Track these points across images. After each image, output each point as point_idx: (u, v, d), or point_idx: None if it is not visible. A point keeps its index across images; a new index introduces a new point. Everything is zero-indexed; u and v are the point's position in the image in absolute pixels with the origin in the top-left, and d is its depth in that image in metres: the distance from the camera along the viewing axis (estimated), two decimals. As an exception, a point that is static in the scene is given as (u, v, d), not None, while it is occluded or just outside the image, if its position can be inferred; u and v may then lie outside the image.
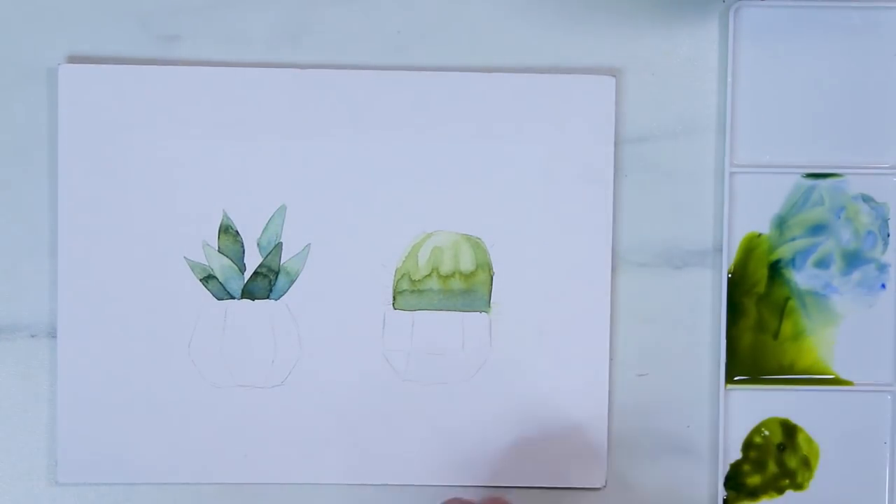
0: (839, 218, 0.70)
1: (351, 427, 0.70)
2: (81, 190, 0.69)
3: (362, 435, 0.70)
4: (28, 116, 0.70)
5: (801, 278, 0.71)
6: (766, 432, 0.71)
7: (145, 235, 0.69)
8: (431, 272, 0.70)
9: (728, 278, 0.70)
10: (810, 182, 0.70)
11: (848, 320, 0.71)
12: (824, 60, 0.70)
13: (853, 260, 0.71)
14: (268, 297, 0.70)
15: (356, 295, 0.70)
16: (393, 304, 0.70)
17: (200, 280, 0.69)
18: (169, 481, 0.70)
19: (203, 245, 0.69)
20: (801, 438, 0.71)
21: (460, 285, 0.70)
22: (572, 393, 0.70)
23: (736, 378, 0.70)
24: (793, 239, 0.71)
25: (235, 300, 0.70)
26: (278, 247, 0.69)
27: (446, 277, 0.70)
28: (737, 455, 0.71)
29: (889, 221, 0.71)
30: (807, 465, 0.71)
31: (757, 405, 0.71)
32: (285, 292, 0.70)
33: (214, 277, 0.69)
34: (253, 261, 0.70)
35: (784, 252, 0.71)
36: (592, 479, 0.70)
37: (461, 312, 0.70)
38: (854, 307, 0.71)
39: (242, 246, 0.69)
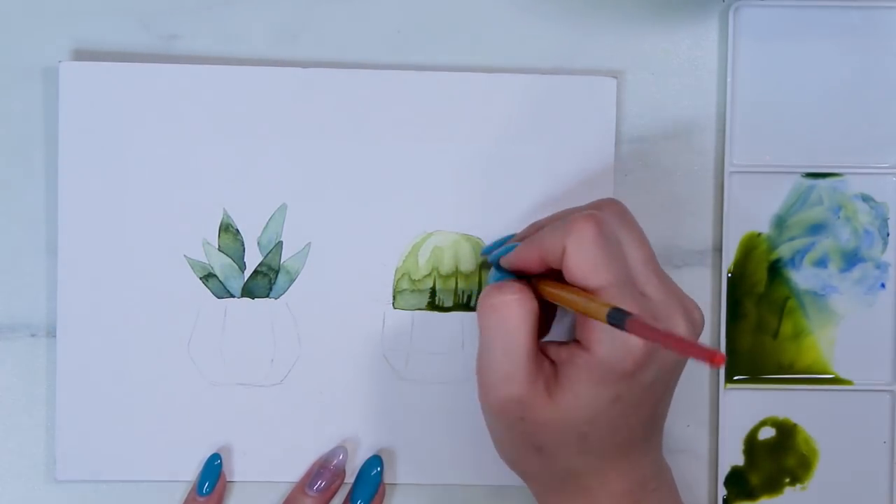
0: (838, 217, 0.71)
1: (350, 426, 0.70)
2: (81, 188, 0.69)
3: (362, 434, 0.70)
4: (27, 114, 0.70)
5: (801, 278, 0.71)
6: (766, 432, 0.71)
7: (145, 234, 0.69)
8: (431, 272, 0.70)
9: (728, 278, 0.70)
10: (810, 182, 0.71)
11: (848, 320, 0.71)
12: (824, 60, 0.70)
13: (852, 259, 0.71)
14: (268, 296, 0.70)
15: (356, 294, 0.70)
16: (393, 303, 0.70)
17: (200, 278, 0.69)
18: (167, 479, 0.70)
19: (203, 243, 0.69)
20: (800, 438, 0.71)
21: (460, 285, 0.70)
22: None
23: (735, 378, 0.70)
24: (792, 238, 0.71)
25: (235, 299, 0.70)
26: (278, 246, 0.70)
27: (446, 277, 0.70)
28: (737, 455, 0.71)
29: (889, 221, 0.71)
30: (806, 464, 0.71)
31: (757, 405, 0.71)
32: (285, 291, 0.70)
33: (214, 276, 0.69)
34: (253, 259, 0.70)
35: (783, 252, 0.71)
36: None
37: (461, 312, 0.70)
38: (854, 307, 0.71)
39: (243, 244, 0.70)
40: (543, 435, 0.61)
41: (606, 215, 0.61)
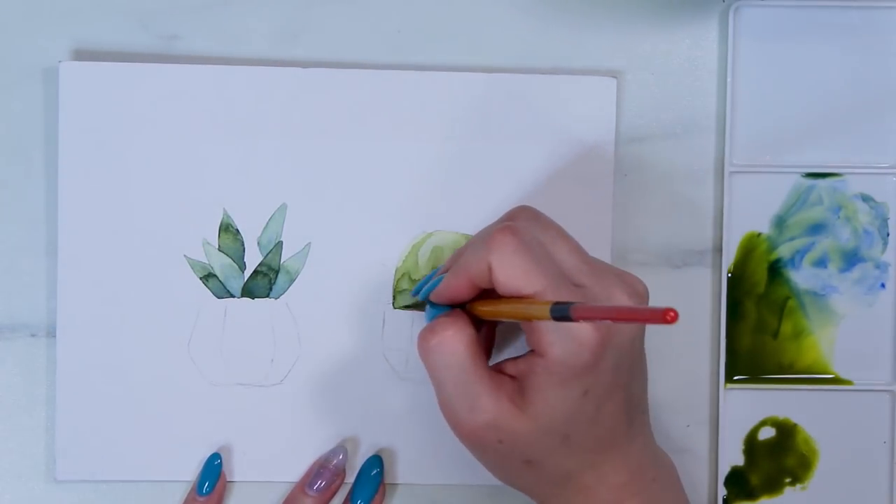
0: (838, 217, 0.71)
1: (350, 427, 0.70)
2: (81, 188, 0.69)
3: (362, 434, 0.70)
4: (27, 114, 0.70)
5: (801, 278, 0.71)
6: (766, 432, 0.71)
7: (145, 233, 0.69)
8: (431, 272, 0.70)
9: (728, 278, 0.70)
10: (810, 182, 0.71)
11: (848, 320, 0.71)
12: (824, 60, 0.70)
13: (852, 259, 0.71)
14: (268, 296, 0.70)
15: (356, 294, 0.70)
16: (393, 303, 0.70)
17: (200, 278, 0.69)
18: (167, 479, 0.70)
19: (203, 243, 0.69)
20: (800, 438, 0.71)
21: (460, 285, 0.70)
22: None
23: (735, 378, 0.70)
24: (792, 238, 0.71)
25: (235, 299, 0.70)
26: (278, 245, 0.70)
27: (446, 277, 0.70)
28: (737, 454, 0.71)
29: (889, 221, 0.71)
30: (806, 464, 0.71)
31: (757, 405, 0.71)
32: (285, 291, 0.70)
33: (214, 276, 0.69)
34: (253, 259, 0.70)
35: (783, 252, 0.71)
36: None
37: (461, 312, 0.70)
38: (854, 307, 0.71)
39: (243, 244, 0.70)
40: (527, 448, 0.61)
41: (521, 223, 0.62)
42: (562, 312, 0.55)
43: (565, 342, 0.59)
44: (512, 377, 0.61)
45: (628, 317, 0.53)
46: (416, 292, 0.66)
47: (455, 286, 0.62)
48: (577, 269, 0.61)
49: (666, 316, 0.49)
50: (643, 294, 0.62)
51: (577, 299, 0.59)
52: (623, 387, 0.61)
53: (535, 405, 0.60)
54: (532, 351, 0.61)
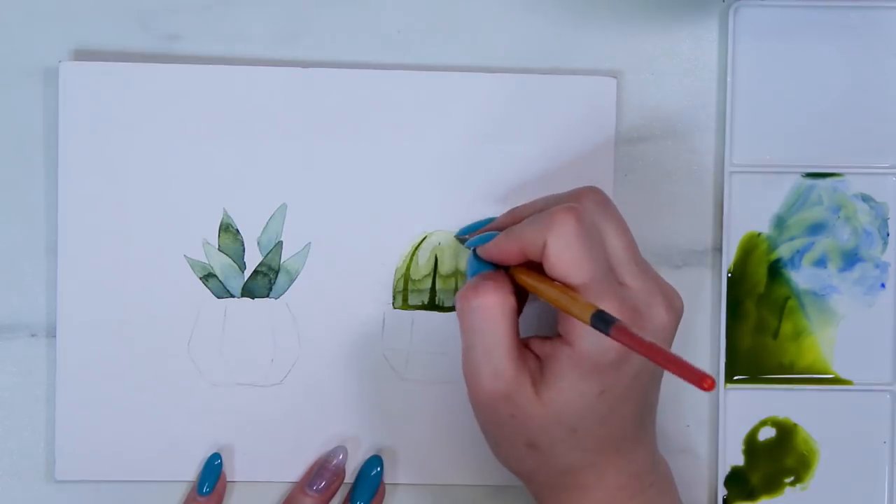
0: (838, 217, 0.71)
1: (350, 427, 0.70)
2: (81, 188, 0.69)
3: (362, 434, 0.70)
4: (27, 114, 0.70)
5: (801, 278, 0.71)
6: (766, 432, 0.71)
7: (145, 233, 0.69)
8: (431, 272, 0.70)
9: (728, 278, 0.70)
10: (810, 182, 0.71)
11: (848, 320, 0.71)
12: (824, 60, 0.70)
13: (852, 259, 0.71)
14: (268, 296, 0.70)
15: (356, 294, 0.70)
16: (393, 303, 0.70)
17: (200, 278, 0.69)
18: (167, 479, 0.70)
19: (203, 243, 0.69)
20: (800, 438, 0.71)
21: (460, 285, 0.70)
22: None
23: (736, 378, 0.70)
24: (792, 238, 0.71)
25: (235, 299, 0.70)
26: (278, 245, 0.70)
27: (446, 277, 0.70)
28: (736, 454, 0.71)
29: (889, 221, 0.71)
30: (806, 464, 0.71)
31: (757, 405, 0.71)
32: (285, 291, 0.70)
33: (214, 276, 0.69)
34: (253, 259, 0.70)
35: (783, 252, 0.71)
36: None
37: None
38: (854, 307, 0.71)
39: (243, 244, 0.70)
40: (534, 431, 0.61)
41: (587, 205, 0.62)
42: (602, 324, 0.55)
43: (595, 338, 0.59)
44: (537, 357, 0.62)
45: (664, 361, 0.53)
46: (464, 234, 0.67)
47: (505, 250, 0.62)
48: (627, 267, 0.61)
49: (703, 382, 0.49)
50: (679, 310, 0.63)
51: (619, 300, 0.60)
52: (639, 395, 0.61)
53: (551, 391, 0.60)
54: (560, 336, 0.61)
